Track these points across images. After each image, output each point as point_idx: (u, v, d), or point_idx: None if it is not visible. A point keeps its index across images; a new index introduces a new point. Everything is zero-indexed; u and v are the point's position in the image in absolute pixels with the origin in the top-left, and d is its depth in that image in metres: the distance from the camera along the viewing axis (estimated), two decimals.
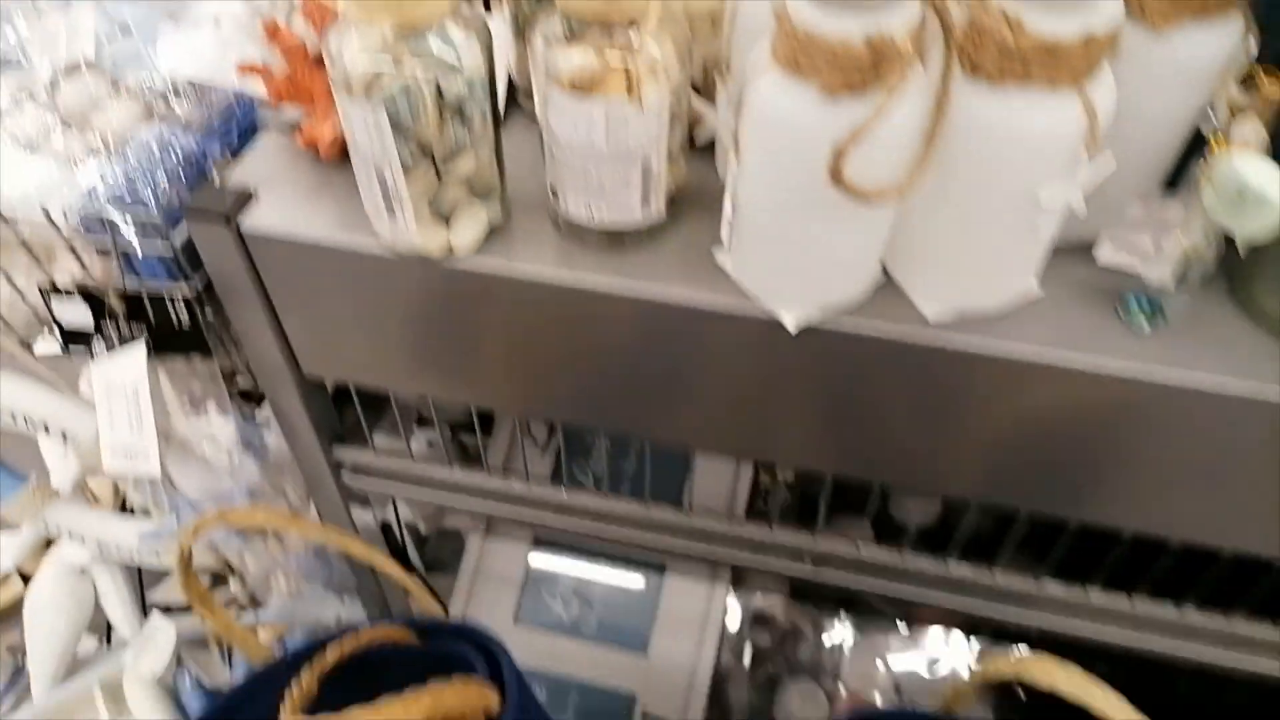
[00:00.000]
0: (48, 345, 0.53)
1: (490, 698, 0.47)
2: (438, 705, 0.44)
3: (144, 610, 0.88)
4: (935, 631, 0.81)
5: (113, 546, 0.73)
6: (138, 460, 0.48)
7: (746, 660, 0.84)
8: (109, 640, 0.93)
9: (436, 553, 0.94)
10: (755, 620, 0.86)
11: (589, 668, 0.83)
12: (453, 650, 0.51)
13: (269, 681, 0.51)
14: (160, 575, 0.94)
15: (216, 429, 0.51)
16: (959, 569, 0.55)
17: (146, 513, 0.72)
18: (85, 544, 0.74)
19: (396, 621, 0.54)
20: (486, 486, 0.60)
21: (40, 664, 0.84)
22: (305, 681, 0.46)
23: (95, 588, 0.86)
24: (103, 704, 0.81)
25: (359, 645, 0.51)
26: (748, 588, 0.86)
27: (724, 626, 0.83)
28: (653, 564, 0.85)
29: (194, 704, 0.76)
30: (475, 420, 0.57)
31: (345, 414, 0.60)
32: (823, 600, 0.85)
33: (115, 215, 0.44)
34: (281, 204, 0.44)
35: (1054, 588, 0.54)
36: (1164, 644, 0.54)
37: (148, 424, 0.48)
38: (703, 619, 0.83)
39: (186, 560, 0.51)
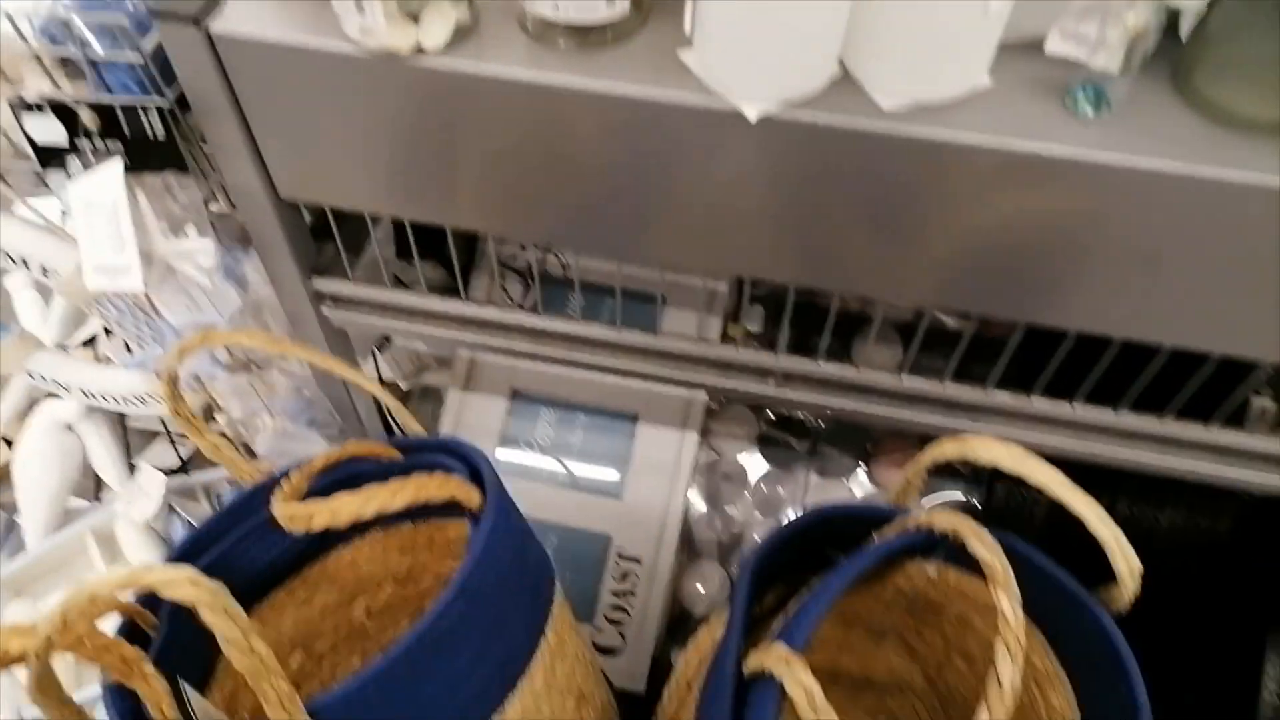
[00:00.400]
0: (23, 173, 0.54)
1: (472, 494, 0.50)
2: (420, 493, 0.47)
3: (131, 472, 0.91)
4: (894, 475, 0.85)
5: (97, 394, 0.75)
6: (120, 277, 0.49)
7: (714, 503, 0.88)
8: (99, 498, 0.95)
9: (416, 415, 0.97)
10: (723, 466, 0.89)
11: (566, 513, 0.87)
12: (434, 462, 0.54)
13: (258, 495, 0.53)
14: (146, 439, 0.96)
15: (197, 250, 0.52)
16: (911, 382, 0.58)
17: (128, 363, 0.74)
18: (70, 393, 0.76)
19: (380, 439, 0.57)
20: (467, 314, 0.62)
21: (31, 517, 0.86)
22: (295, 479, 0.49)
23: (83, 444, 0.88)
24: (95, 549, 0.84)
25: (344, 455, 0.53)
26: (716, 435, 0.90)
27: (693, 471, 0.86)
28: (626, 414, 0.88)
29: None
30: (452, 250, 0.58)
31: (324, 250, 0.61)
32: (789, 449, 0.89)
33: (80, 22, 0.44)
34: (251, 6, 0.45)
35: (1001, 396, 0.57)
36: (1103, 449, 0.58)
37: (129, 239, 0.49)
38: (674, 465, 0.86)
39: (173, 384, 0.53)
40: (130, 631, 0.45)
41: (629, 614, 0.84)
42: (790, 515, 0.87)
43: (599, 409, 0.88)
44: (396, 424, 0.70)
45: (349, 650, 0.64)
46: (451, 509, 0.59)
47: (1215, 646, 0.70)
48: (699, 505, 0.88)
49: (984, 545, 0.41)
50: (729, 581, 0.86)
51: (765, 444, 0.90)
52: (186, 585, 0.35)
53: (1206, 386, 0.53)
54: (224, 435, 0.71)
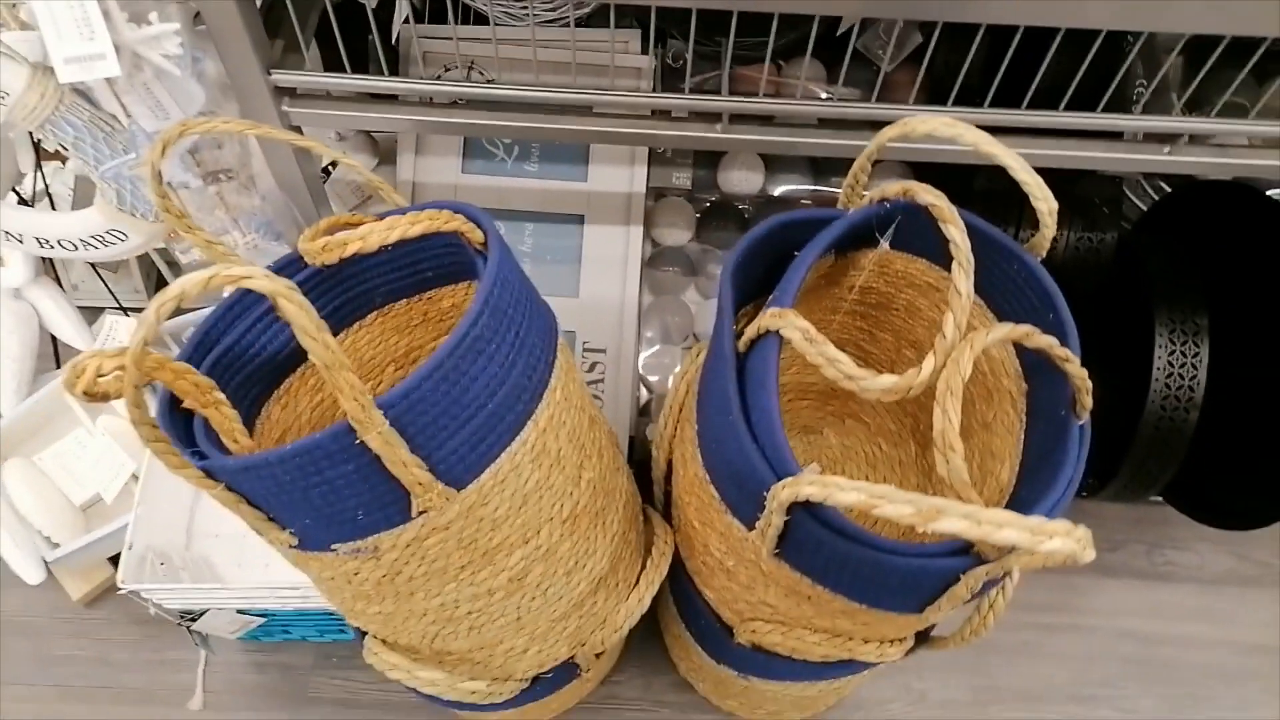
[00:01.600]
0: None
1: (475, 230, 0.54)
2: (433, 223, 0.51)
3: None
4: None
5: (55, 240, 0.75)
6: (96, 65, 0.51)
7: (661, 291, 0.95)
8: (60, 366, 0.95)
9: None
10: (667, 253, 0.96)
11: None
12: None
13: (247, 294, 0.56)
14: (91, 317, 0.95)
15: (164, 35, 0.53)
16: (842, 94, 0.65)
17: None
18: (24, 243, 0.75)
19: (368, 214, 0.60)
20: (424, 90, 0.64)
21: (2, 384, 0.86)
22: (310, 232, 0.52)
23: (35, 309, 0.88)
24: (76, 402, 0.85)
25: (345, 220, 0.57)
26: (657, 226, 0.95)
27: (641, 263, 0.92)
28: (572, 216, 0.93)
29: None
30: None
31: (274, 45, 0.63)
32: (726, 232, 0.96)
33: None
34: None
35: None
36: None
37: (97, 24, 0.50)
38: (623, 259, 0.92)
39: (158, 179, 0.55)
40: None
41: (601, 400, 0.91)
42: None
43: (545, 214, 0.93)
44: None
45: None
46: (445, 275, 0.64)
47: (1115, 344, 0.81)
48: (649, 295, 0.95)
49: (931, 193, 0.48)
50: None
51: (702, 232, 0.96)
52: (265, 280, 0.39)
53: (1090, 78, 0.62)
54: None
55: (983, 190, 0.80)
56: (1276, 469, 0.76)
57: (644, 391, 0.94)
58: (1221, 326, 0.75)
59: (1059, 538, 0.36)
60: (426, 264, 0.61)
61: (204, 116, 0.60)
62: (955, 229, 0.46)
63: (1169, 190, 0.92)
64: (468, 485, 0.50)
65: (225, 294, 0.65)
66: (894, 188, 0.51)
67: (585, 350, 0.92)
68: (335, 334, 0.63)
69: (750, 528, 0.51)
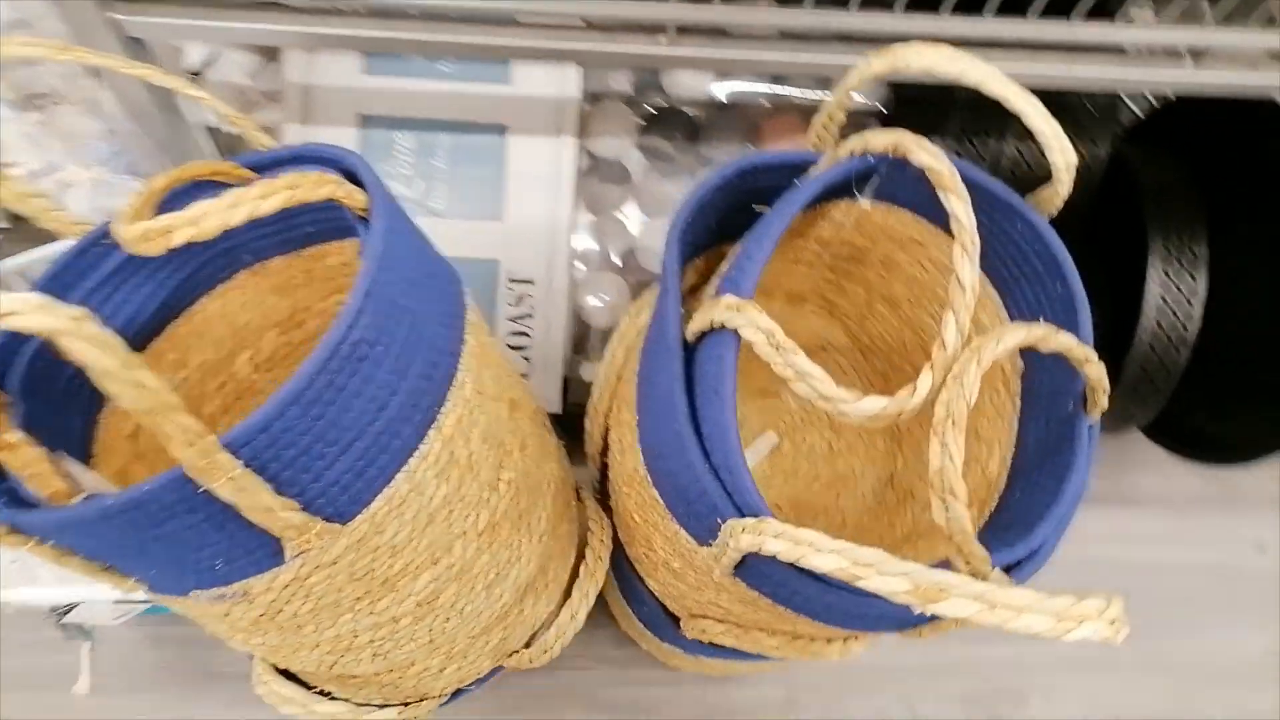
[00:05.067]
0: None
1: (354, 192, 0.43)
2: (294, 194, 0.40)
3: None
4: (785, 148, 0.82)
5: None
6: None
7: (599, 211, 0.84)
8: None
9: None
10: (603, 171, 0.84)
11: (445, 245, 0.81)
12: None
13: (95, 245, 0.45)
14: None
15: None
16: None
17: None
18: None
19: (228, 159, 0.48)
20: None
21: None
22: (135, 202, 0.41)
23: None
24: None
25: (186, 175, 0.45)
26: (593, 138, 0.83)
27: (575, 180, 0.81)
28: (493, 127, 0.80)
29: None
30: None
31: None
32: (671, 143, 0.84)
33: None
34: None
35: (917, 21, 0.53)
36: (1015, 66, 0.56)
37: None
38: (553, 176, 0.80)
39: None
40: None
41: (530, 336, 0.81)
42: None
43: (462, 125, 0.80)
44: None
45: (244, 410, 0.59)
46: (329, 230, 0.52)
47: (1101, 267, 0.73)
48: (585, 215, 0.84)
49: (928, 152, 0.38)
50: (625, 289, 0.83)
51: (645, 143, 0.84)
52: (38, 313, 0.28)
53: None
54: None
55: (967, 100, 0.70)
56: (1263, 401, 0.71)
57: (583, 324, 0.84)
58: (1217, 252, 0.67)
59: (1089, 623, 0.29)
60: (304, 221, 0.50)
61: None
62: (957, 200, 0.37)
63: (1171, 97, 0.82)
64: (355, 516, 0.41)
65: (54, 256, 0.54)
66: (880, 140, 0.40)
67: (511, 282, 0.81)
68: (192, 300, 0.52)
69: (701, 543, 0.43)
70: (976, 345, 0.35)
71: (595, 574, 0.51)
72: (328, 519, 0.39)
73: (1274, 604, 0.82)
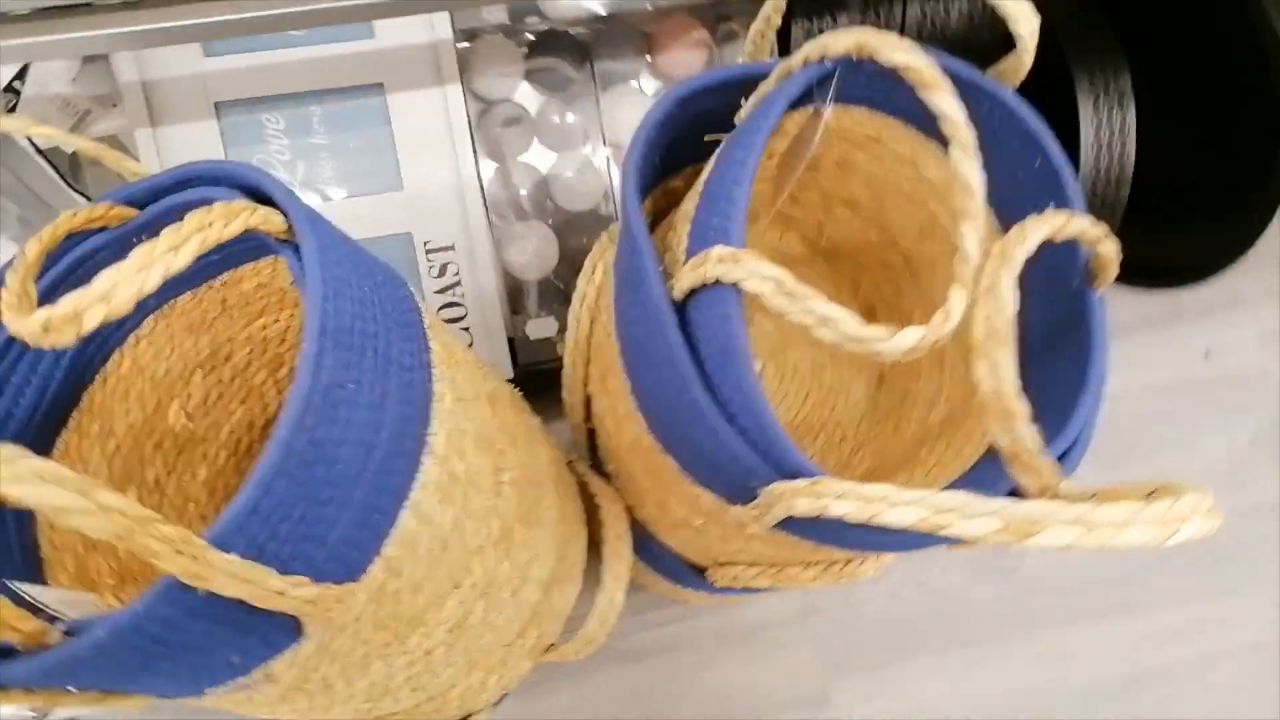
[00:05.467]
0: None
1: (272, 216, 0.37)
2: (207, 235, 0.34)
3: None
4: (682, 56, 0.78)
5: None
6: None
7: (502, 157, 0.78)
8: None
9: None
10: (497, 112, 0.78)
11: (349, 228, 0.74)
12: (190, 201, 0.40)
13: None
14: None
15: None
16: None
17: None
18: None
19: (100, 200, 0.41)
20: None
21: None
22: (13, 283, 0.34)
23: None
24: None
25: (60, 232, 0.38)
26: (478, 80, 0.77)
27: (470, 128, 0.75)
28: (368, 87, 0.73)
29: None
30: None
31: None
32: (561, 70, 0.78)
33: None
34: None
35: None
36: None
37: None
38: (445, 128, 0.74)
39: None
40: None
41: (463, 306, 0.76)
42: (589, 147, 0.78)
43: (333, 92, 0.72)
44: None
45: (189, 466, 0.53)
46: (239, 255, 0.46)
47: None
48: (488, 165, 0.78)
49: (901, 50, 0.35)
50: (550, 234, 0.79)
51: (533, 74, 0.78)
52: None
53: None
54: None
55: None
56: (1200, 222, 0.72)
57: (514, 279, 0.80)
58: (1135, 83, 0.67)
59: (1191, 521, 0.28)
60: (210, 254, 0.44)
61: None
62: (945, 98, 0.34)
63: None
64: (368, 568, 0.37)
65: None
66: (841, 43, 0.37)
67: (430, 252, 0.75)
68: (102, 361, 0.46)
69: (732, 502, 0.41)
70: (1001, 251, 0.33)
71: (621, 553, 0.49)
72: (341, 581, 0.36)
73: (1226, 406, 0.86)
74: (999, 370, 0.31)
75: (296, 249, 0.37)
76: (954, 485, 0.41)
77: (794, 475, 0.35)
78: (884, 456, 0.53)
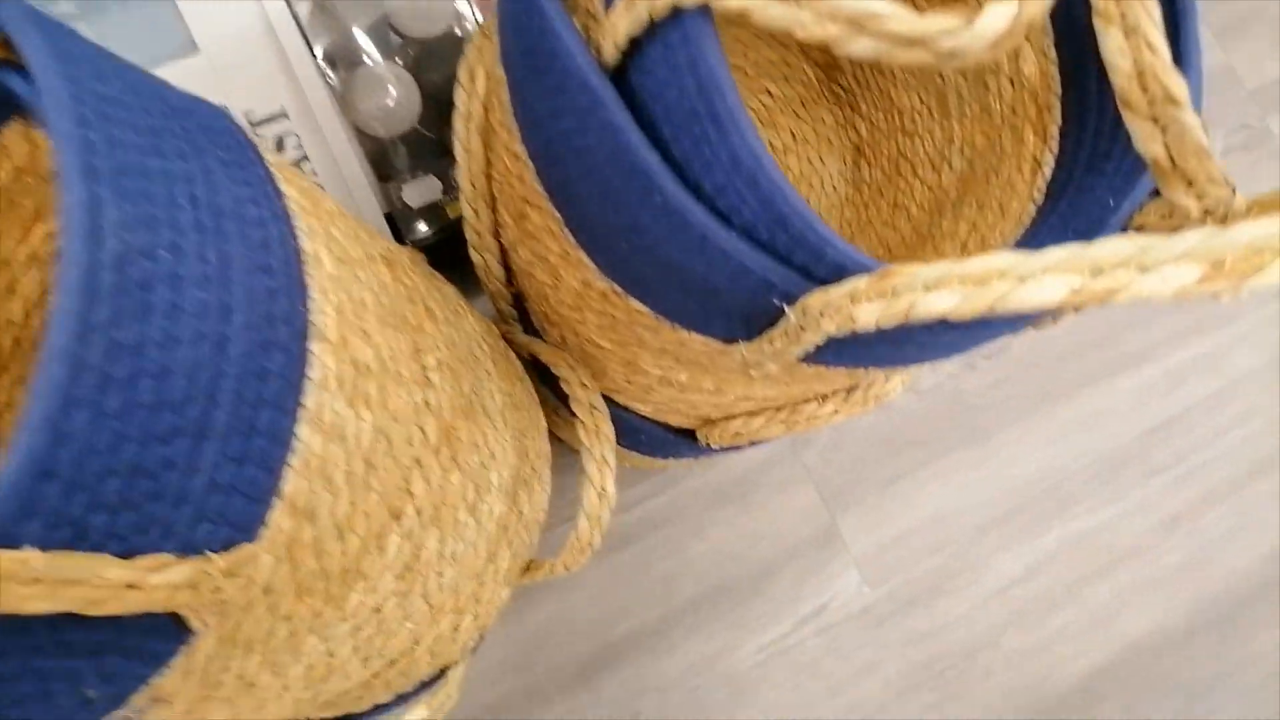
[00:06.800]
0: None
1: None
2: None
3: None
4: None
5: None
6: None
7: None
8: None
9: None
10: None
11: None
12: None
13: None
14: None
15: None
16: None
17: None
18: None
19: None
20: None
21: None
22: None
23: None
24: None
25: None
26: None
27: None
28: None
29: None
30: None
31: None
32: None
33: None
34: None
35: None
36: None
37: None
38: None
39: None
40: None
41: (317, 179, 0.62)
42: None
43: None
44: None
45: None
46: None
47: None
48: (303, 3, 0.62)
49: None
50: (406, 74, 0.64)
51: None
52: None
53: None
54: None
55: None
56: None
57: (373, 140, 0.65)
58: None
59: None
60: None
61: None
62: None
63: None
64: (265, 519, 0.25)
65: None
66: None
67: (256, 125, 0.60)
68: None
69: (733, 340, 0.31)
70: None
71: (600, 429, 0.38)
72: (227, 543, 0.24)
73: None
74: (1142, 36, 0.21)
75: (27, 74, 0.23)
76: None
77: (835, 276, 0.24)
78: (888, 243, 0.44)
